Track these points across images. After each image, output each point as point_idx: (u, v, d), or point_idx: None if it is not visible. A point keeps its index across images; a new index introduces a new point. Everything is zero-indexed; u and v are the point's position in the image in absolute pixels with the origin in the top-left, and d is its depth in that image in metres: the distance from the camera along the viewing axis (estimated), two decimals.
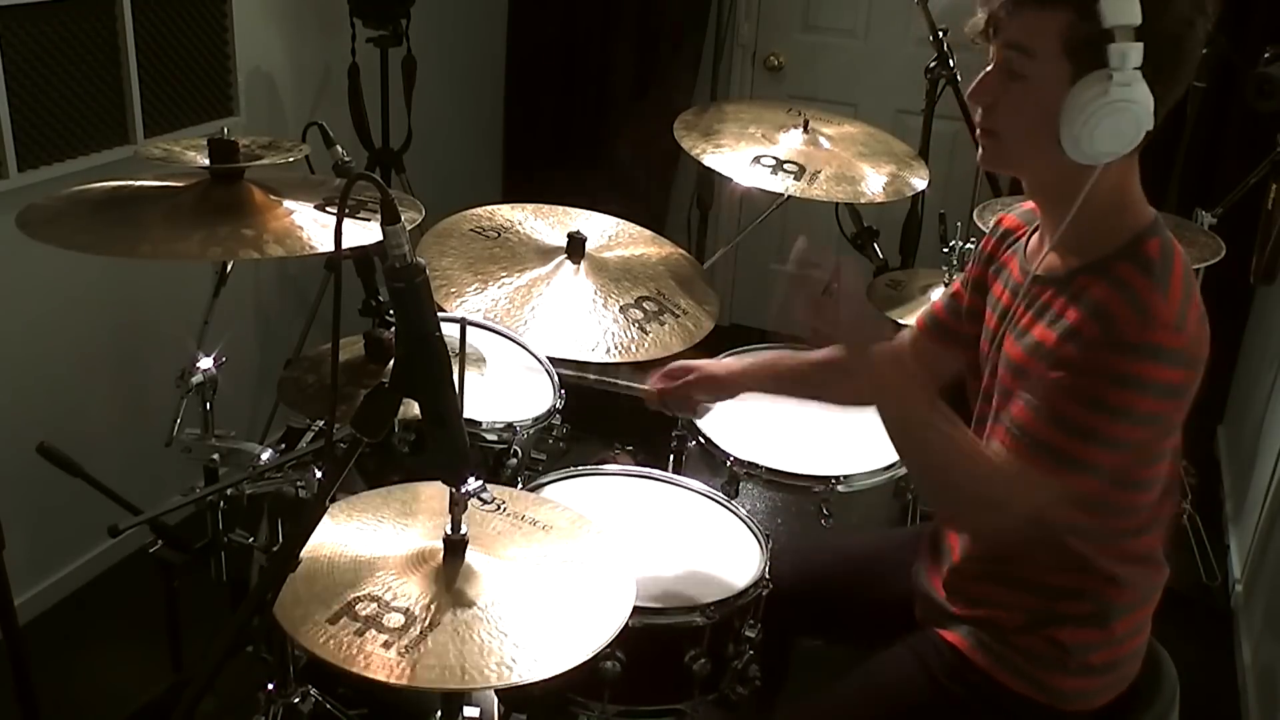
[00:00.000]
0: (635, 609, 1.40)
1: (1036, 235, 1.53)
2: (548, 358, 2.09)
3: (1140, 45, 1.27)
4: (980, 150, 1.46)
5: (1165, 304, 1.32)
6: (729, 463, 2.03)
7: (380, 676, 1.22)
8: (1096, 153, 1.32)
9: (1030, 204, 1.58)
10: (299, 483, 1.74)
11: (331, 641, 1.26)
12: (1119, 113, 1.29)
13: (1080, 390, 1.32)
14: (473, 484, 1.31)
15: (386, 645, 1.26)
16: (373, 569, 1.39)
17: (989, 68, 1.40)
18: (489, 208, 2.30)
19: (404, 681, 1.21)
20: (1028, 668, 1.50)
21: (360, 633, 1.27)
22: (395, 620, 1.29)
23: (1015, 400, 1.40)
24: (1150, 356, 1.30)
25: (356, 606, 1.32)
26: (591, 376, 1.82)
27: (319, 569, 1.38)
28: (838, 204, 2.76)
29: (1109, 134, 1.31)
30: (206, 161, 1.70)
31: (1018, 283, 1.51)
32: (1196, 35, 1.32)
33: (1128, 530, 1.47)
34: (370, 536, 1.47)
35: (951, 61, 2.82)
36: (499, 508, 1.55)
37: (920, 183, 2.53)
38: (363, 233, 1.54)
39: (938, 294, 2.53)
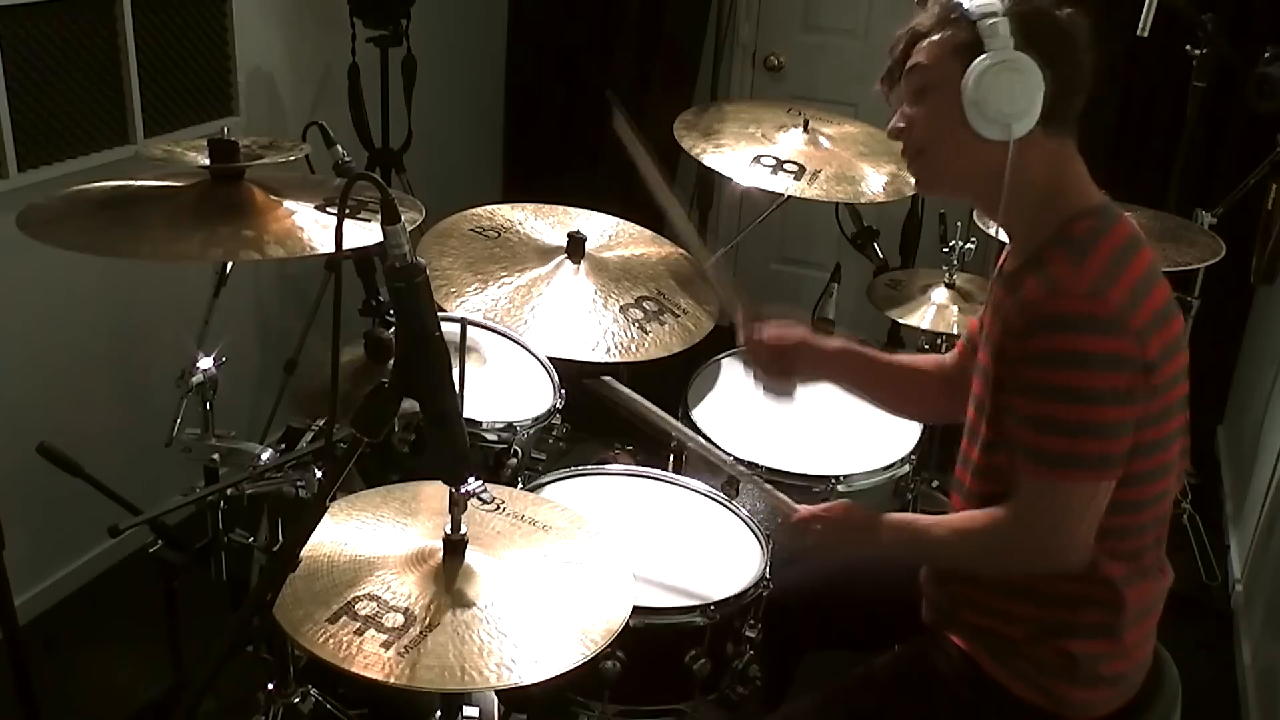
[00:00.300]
0: (635, 609, 1.40)
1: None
2: (548, 357, 2.09)
3: (1005, 19, 1.38)
4: (913, 176, 1.56)
5: (1076, 275, 1.35)
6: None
7: (379, 676, 1.22)
8: (1001, 116, 1.39)
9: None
10: (299, 483, 1.74)
11: (331, 641, 1.26)
12: (1005, 73, 1.38)
13: (1043, 384, 1.36)
14: (473, 484, 1.31)
15: (386, 645, 1.26)
16: (372, 568, 1.39)
17: (895, 105, 1.52)
18: (489, 208, 2.30)
19: (403, 681, 1.21)
20: (1037, 677, 1.50)
21: (360, 632, 1.28)
22: (395, 620, 1.29)
23: (1013, 426, 1.42)
24: (1065, 327, 1.33)
25: (356, 606, 1.32)
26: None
27: (319, 568, 1.38)
28: (838, 204, 2.75)
29: (1003, 95, 1.38)
30: (207, 161, 1.70)
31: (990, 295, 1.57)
32: (1071, 17, 1.41)
33: (1130, 528, 1.47)
34: (370, 536, 1.47)
35: None
36: (499, 508, 1.55)
37: None
38: (363, 233, 1.55)
39: (938, 294, 2.54)
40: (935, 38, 1.45)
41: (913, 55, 1.48)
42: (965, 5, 1.41)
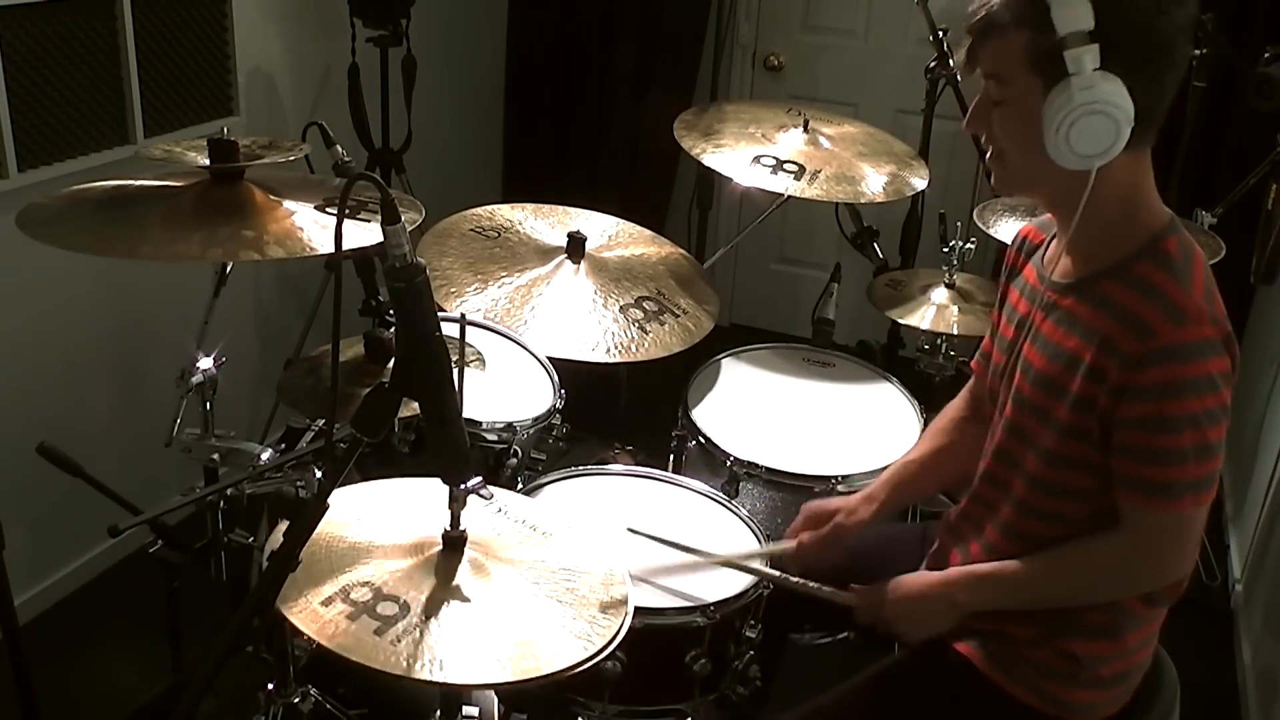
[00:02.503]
0: (636, 609, 1.40)
1: (1055, 243, 1.53)
2: (548, 358, 2.09)
3: (1095, 47, 1.28)
4: (993, 176, 1.49)
5: (1190, 299, 1.33)
6: (729, 463, 2.02)
7: (365, 661, 1.22)
8: (1080, 156, 1.33)
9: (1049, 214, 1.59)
10: (299, 483, 1.74)
11: (322, 623, 1.27)
12: (1089, 115, 1.30)
13: (1162, 416, 1.32)
14: (472, 482, 1.31)
15: (377, 632, 1.26)
16: (372, 556, 1.39)
17: (978, 97, 1.44)
18: (489, 208, 2.30)
19: (389, 668, 1.21)
20: (1038, 680, 1.50)
21: (352, 617, 1.28)
22: (388, 609, 1.29)
23: (1115, 457, 1.38)
24: (1198, 354, 1.31)
25: (352, 592, 1.32)
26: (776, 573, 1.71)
27: (318, 552, 1.38)
28: (838, 204, 2.75)
29: (1085, 137, 1.32)
30: (206, 161, 1.70)
31: (1034, 289, 1.51)
32: (1170, 17, 1.31)
33: None
34: (374, 524, 1.47)
35: (951, 61, 2.82)
36: (501, 509, 1.55)
37: (920, 183, 2.53)
38: (363, 233, 1.54)
39: (938, 294, 2.53)
40: (1012, 37, 1.34)
41: (987, 46, 1.37)
42: (1052, 10, 1.29)
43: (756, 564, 1.72)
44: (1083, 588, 1.47)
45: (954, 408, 1.79)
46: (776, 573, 1.69)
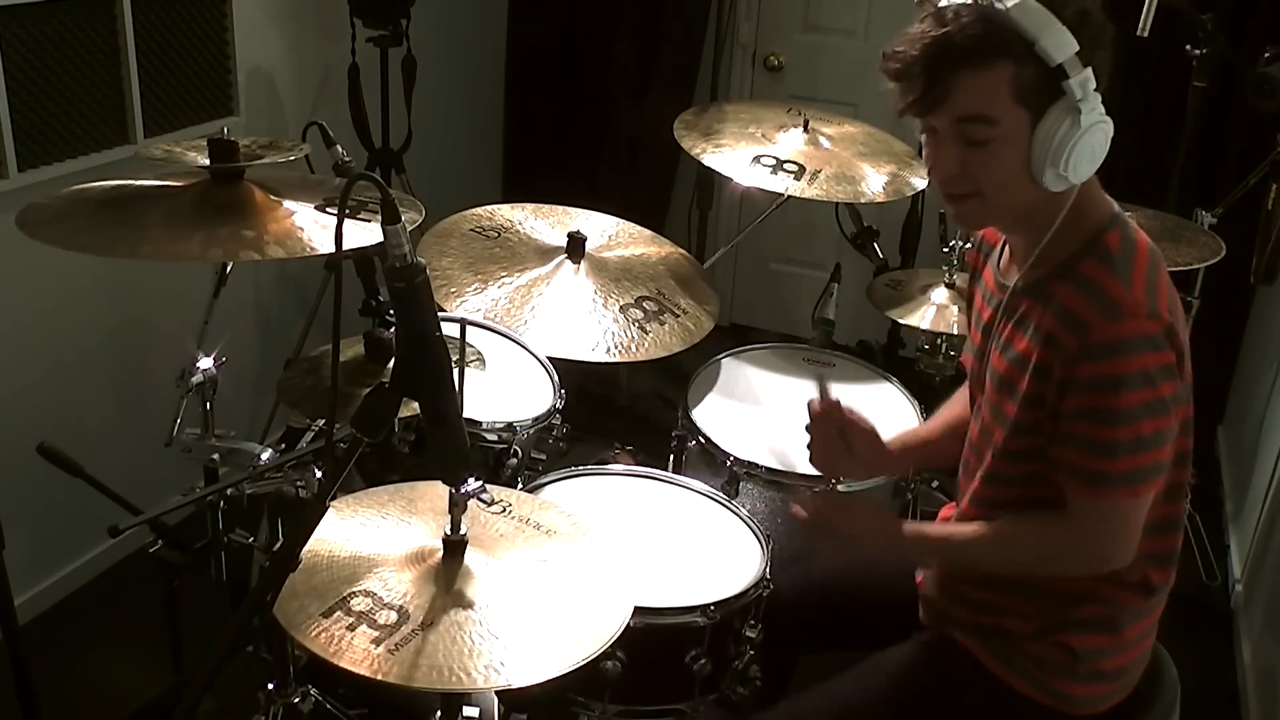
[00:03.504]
0: (636, 609, 1.40)
1: (1008, 249, 1.54)
2: (548, 357, 2.09)
3: (1089, 69, 1.30)
4: (957, 214, 1.45)
5: (1128, 294, 1.34)
6: (729, 463, 2.02)
7: (364, 671, 1.22)
8: (1079, 178, 1.35)
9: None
10: (299, 483, 1.74)
11: (323, 634, 1.27)
12: (1092, 134, 1.32)
13: (1099, 409, 1.33)
14: (472, 484, 1.31)
15: (376, 641, 1.26)
16: (372, 565, 1.39)
17: (930, 139, 1.39)
18: (489, 208, 2.30)
19: (387, 678, 1.21)
20: (1037, 673, 1.51)
21: (352, 627, 1.28)
22: (388, 617, 1.29)
23: (1056, 445, 1.40)
24: (1131, 349, 1.32)
25: (351, 601, 1.32)
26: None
27: (319, 563, 1.38)
28: (838, 204, 2.75)
29: (1086, 157, 1.34)
30: (206, 161, 1.70)
31: (995, 296, 1.53)
32: (1108, 26, 1.35)
33: (1174, 543, 1.51)
34: (373, 533, 1.47)
35: None
36: (504, 511, 1.55)
37: (920, 183, 2.53)
38: (363, 233, 1.54)
39: (937, 294, 2.54)
40: (992, 72, 1.30)
41: (959, 84, 1.31)
42: (1039, 43, 1.28)
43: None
44: (1022, 563, 1.50)
45: (964, 397, 1.80)
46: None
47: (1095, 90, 1.32)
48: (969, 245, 2.53)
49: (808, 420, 1.75)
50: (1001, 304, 1.49)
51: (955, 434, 1.74)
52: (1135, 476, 1.37)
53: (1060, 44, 1.28)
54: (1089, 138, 1.32)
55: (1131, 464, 1.36)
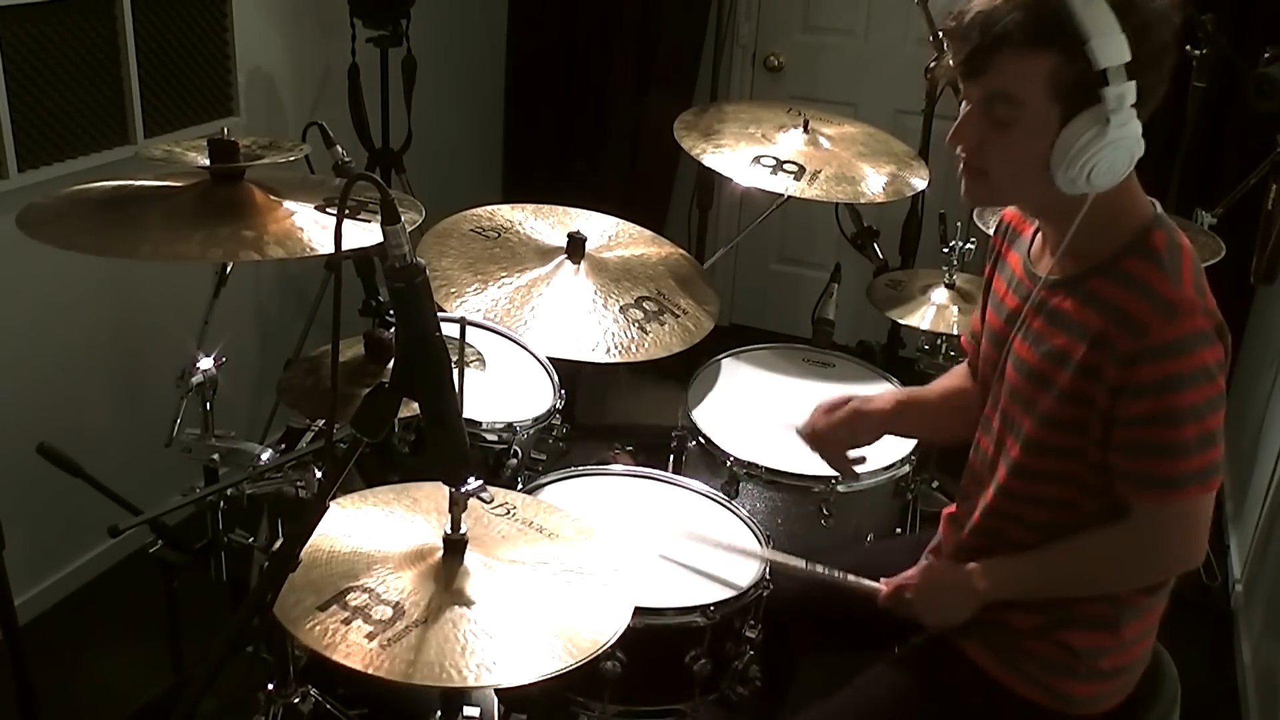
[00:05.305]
0: (636, 609, 1.40)
1: (1039, 237, 1.53)
2: (548, 358, 2.09)
3: (1134, 84, 1.27)
4: (966, 188, 1.43)
5: (1181, 293, 1.33)
6: (729, 463, 2.02)
7: (355, 665, 1.22)
8: (1094, 187, 1.33)
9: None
10: (299, 483, 1.74)
11: (317, 628, 1.27)
12: (1115, 150, 1.30)
13: (1164, 411, 1.33)
14: (473, 484, 1.31)
15: (370, 636, 1.26)
16: (371, 562, 1.39)
17: (967, 108, 1.38)
18: (489, 208, 2.30)
19: (379, 672, 1.22)
20: (1038, 673, 1.51)
21: (347, 622, 1.28)
22: (383, 613, 1.30)
23: (1117, 455, 1.38)
24: (1192, 347, 1.31)
25: (348, 596, 1.32)
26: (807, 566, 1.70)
27: (319, 558, 1.38)
28: (838, 204, 2.75)
29: (1105, 170, 1.32)
30: (206, 162, 1.70)
31: (1023, 285, 1.51)
32: (1172, 53, 1.33)
33: None
34: (375, 530, 1.47)
35: (951, 62, 2.81)
36: (508, 513, 1.55)
37: (920, 183, 2.53)
38: (363, 233, 1.54)
39: (937, 294, 2.53)
40: (1032, 58, 1.28)
41: (998, 62, 1.30)
42: (1092, 42, 1.25)
43: (798, 562, 1.71)
44: (1096, 578, 1.48)
45: (963, 371, 1.80)
46: (815, 566, 1.68)
47: (1134, 107, 1.28)
48: (969, 246, 2.53)
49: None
50: (1031, 294, 1.47)
51: (950, 405, 1.74)
52: (1206, 472, 1.36)
53: (1112, 50, 1.25)
54: (1111, 152, 1.30)
55: (1202, 460, 1.35)
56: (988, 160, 1.38)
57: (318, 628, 1.27)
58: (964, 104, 1.39)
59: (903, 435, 1.89)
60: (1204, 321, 1.33)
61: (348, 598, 1.32)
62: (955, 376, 1.80)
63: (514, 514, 1.55)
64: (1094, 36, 1.25)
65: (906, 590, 1.57)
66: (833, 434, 1.75)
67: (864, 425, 1.75)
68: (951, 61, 1.37)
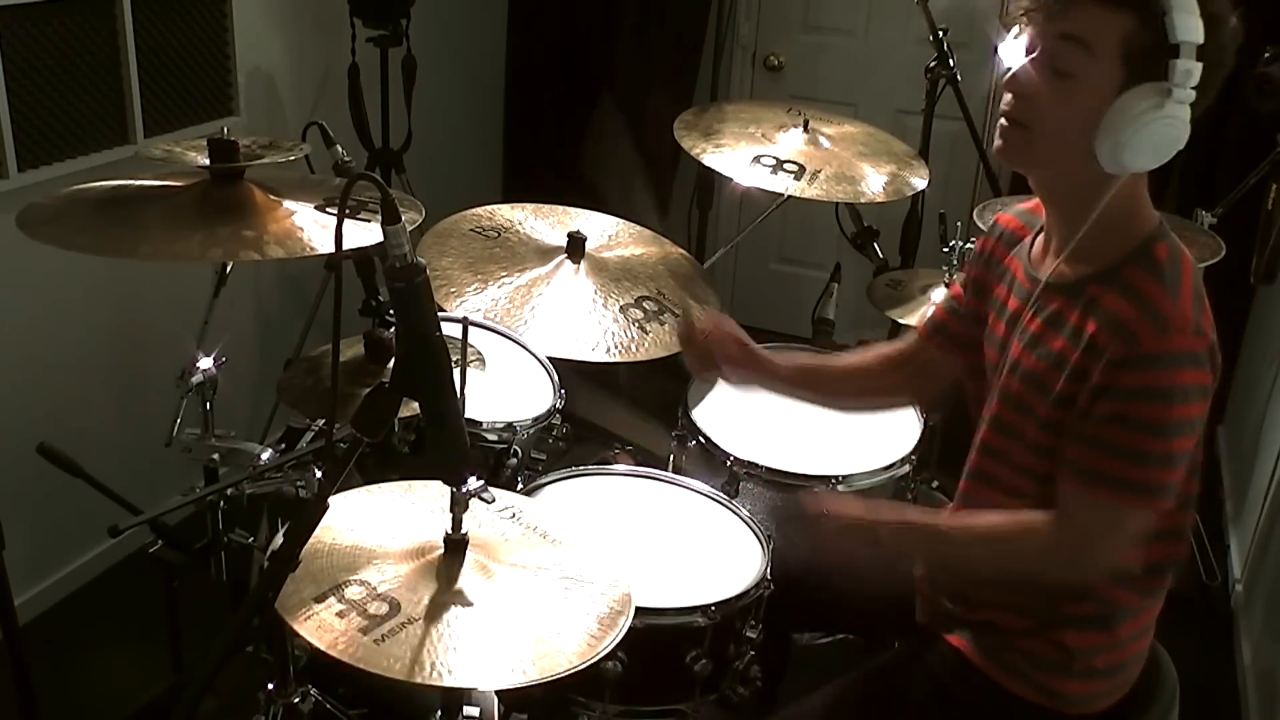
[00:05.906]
0: (636, 609, 1.40)
1: (1040, 239, 1.52)
2: (548, 357, 2.09)
3: (1201, 65, 1.28)
4: (1001, 141, 1.40)
5: (1178, 308, 1.33)
6: (729, 463, 2.02)
7: (345, 658, 1.22)
8: (1131, 164, 1.32)
9: (1030, 204, 1.58)
10: (299, 483, 1.74)
11: (311, 619, 1.27)
12: (1167, 127, 1.30)
13: (1131, 417, 1.32)
14: (473, 484, 1.31)
15: (363, 630, 1.26)
16: (372, 557, 1.39)
17: (1032, 54, 1.35)
18: (489, 208, 2.29)
19: (369, 667, 1.22)
20: (1031, 672, 1.50)
21: (342, 614, 1.28)
22: (379, 608, 1.30)
23: (1072, 445, 1.38)
24: (1177, 364, 1.31)
25: (345, 589, 1.32)
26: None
27: (320, 550, 1.39)
28: (838, 204, 2.75)
29: (1150, 147, 1.31)
30: (206, 161, 1.70)
31: (1024, 287, 1.50)
32: (1229, 61, 1.34)
33: (1178, 553, 1.48)
34: (379, 525, 1.47)
35: (951, 61, 2.82)
36: (513, 516, 1.55)
37: (920, 182, 2.53)
38: (363, 233, 1.54)
39: (938, 294, 2.53)
40: (1114, 15, 1.28)
41: (1080, 8, 1.29)
42: (1172, 14, 1.26)
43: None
44: (1002, 560, 1.46)
45: (889, 346, 1.81)
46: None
47: (1191, 90, 1.29)
48: (970, 245, 2.53)
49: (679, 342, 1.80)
50: (1031, 296, 1.47)
51: (851, 379, 1.77)
52: (1151, 489, 1.34)
53: (1188, 26, 1.27)
54: (1161, 128, 1.29)
55: (1151, 476, 1.34)
56: (1036, 113, 1.36)
57: (311, 619, 1.27)
58: (1026, 52, 1.36)
59: (791, 396, 1.87)
60: (1196, 343, 1.32)
61: (345, 591, 1.32)
62: (869, 355, 1.80)
63: (518, 518, 1.55)
64: (1174, 10, 1.27)
65: (813, 513, 1.53)
66: (720, 343, 1.75)
67: (748, 360, 1.76)
68: (1027, 3, 1.35)
